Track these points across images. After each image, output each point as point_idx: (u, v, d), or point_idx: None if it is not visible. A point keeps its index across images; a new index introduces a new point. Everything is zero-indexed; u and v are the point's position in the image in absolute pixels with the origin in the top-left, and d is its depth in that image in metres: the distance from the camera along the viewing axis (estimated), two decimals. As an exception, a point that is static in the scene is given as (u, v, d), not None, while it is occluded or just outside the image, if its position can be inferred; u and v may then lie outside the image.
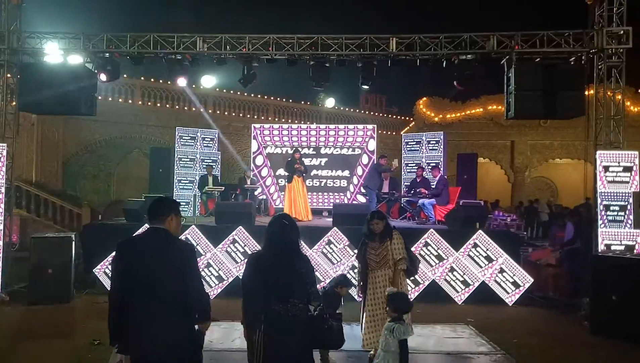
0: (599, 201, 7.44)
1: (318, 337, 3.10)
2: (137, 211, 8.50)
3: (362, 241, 5.16)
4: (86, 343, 5.50)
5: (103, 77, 8.52)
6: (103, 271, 8.08)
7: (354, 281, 6.26)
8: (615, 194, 7.39)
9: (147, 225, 3.06)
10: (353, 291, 7.76)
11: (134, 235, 3.22)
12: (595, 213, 7.47)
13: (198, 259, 7.37)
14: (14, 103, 8.54)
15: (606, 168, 7.44)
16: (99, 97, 12.73)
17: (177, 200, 11.82)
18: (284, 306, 2.94)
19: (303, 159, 11.03)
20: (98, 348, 5.32)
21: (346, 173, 12.98)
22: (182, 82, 9.32)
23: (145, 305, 2.78)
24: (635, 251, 7.18)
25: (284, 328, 2.93)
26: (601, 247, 7.29)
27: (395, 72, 9.46)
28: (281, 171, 12.15)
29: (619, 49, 7.65)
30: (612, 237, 7.32)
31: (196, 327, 2.94)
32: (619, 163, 7.43)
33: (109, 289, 3.00)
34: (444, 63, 8.38)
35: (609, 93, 7.82)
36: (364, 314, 5.05)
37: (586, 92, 7.93)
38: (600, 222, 7.39)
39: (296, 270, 3.03)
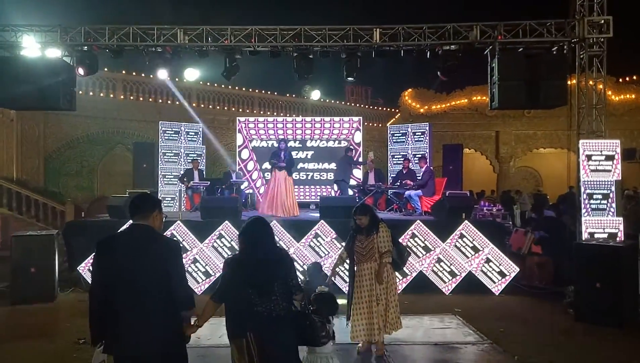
0: (582, 189, 7.53)
1: (301, 333, 3.11)
2: (121, 207, 8.36)
3: (350, 234, 5.16)
4: (71, 343, 5.42)
5: (81, 71, 8.34)
6: (87, 269, 7.94)
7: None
8: (598, 182, 7.49)
9: (130, 222, 3.00)
10: (342, 284, 7.79)
11: (117, 232, 3.15)
12: (578, 202, 7.56)
13: (184, 255, 7.23)
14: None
15: (589, 157, 7.53)
16: (80, 92, 12.51)
17: (163, 195, 11.63)
18: (267, 307, 2.92)
19: (291, 151, 10.92)
20: (83, 347, 5.23)
21: (332, 165, 12.94)
22: (163, 74, 9.16)
23: (130, 303, 2.73)
24: (617, 238, 7.30)
25: (270, 329, 2.91)
26: (585, 235, 7.39)
27: (379, 64, 9.43)
28: (267, 165, 12.06)
29: (600, 38, 7.73)
30: (595, 225, 7.42)
31: (188, 319, 2.95)
32: (601, 151, 7.52)
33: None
34: (428, 54, 8.38)
35: (590, 82, 7.90)
36: (351, 307, 5.04)
37: (568, 82, 8.00)
38: (583, 210, 7.49)
39: (274, 268, 3.01)
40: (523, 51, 8.08)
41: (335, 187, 11.83)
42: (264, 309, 2.91)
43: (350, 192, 11.30)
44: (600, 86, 7.93)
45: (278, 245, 3.27)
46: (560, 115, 14.47)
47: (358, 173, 12.68)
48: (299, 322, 3.12)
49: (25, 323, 6.43)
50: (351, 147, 12.49)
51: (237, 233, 8.47)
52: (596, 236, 7.34)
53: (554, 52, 8.05)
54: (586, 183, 7.52)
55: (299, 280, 3.24)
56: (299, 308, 3.18)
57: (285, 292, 3.01)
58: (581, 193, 7.53)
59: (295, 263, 7.92)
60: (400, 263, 5.12)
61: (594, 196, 7.48)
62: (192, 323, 3.02)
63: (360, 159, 12.71)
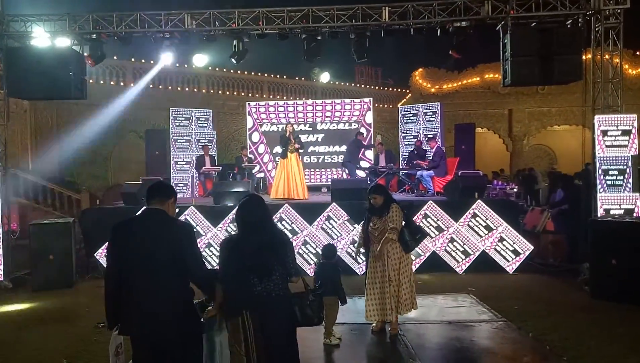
0: (597, 165, 7.40)
1: (301, 314, 3.09)
2: (135, 194, 8.47)
3: (365, 215, 5.16)
4: (91, 327, 5.54)
5: (90, 59, 8.35)
6: (104, 255, 8.06)
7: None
8: (614, 158, 7.35)
9: (144, 207, 3.03)
10: (355, 265, 7.82)
11: (132, 216, 3.19)
12: (594, 178, 7.45)
13: (198, 240, 7.29)
14: (2, 90, 8.39)
15: (604, 132, 7.38)
16: (91, 81, 12.58)
17: (175, 182, 11.73)
18: (266, 287, 2.90)
19: (300, 135, 10.90)
20: (102, 331, 5.35)
21: (343, 148, 12.90)
22: (168, 59, 9.10)
23: (144, 285, 2.77)
24: (634, 214, 7.19)
25: (269, 309, 2.90)
26: (600, 211, 7.30)
27: (389, 43, 9.29)
28: (278, 149, 12.07)
29: (617, 10, 7.50)
30: (611, 201, 7.31)
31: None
32: (617, 126, 7.37)
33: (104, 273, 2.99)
34: (439, 31, 8.22)
35: (606, 56, 7.70)
36: (366, 287, 5.07)
37: (583, 56, 7.81)
38: (599, 187, 7.37)
39: (273, 248, 2.97)
40: (536, 25, 7.89)
41: (345, 169, 11.81)
42: (262, 289, 2.89)
43: (363, 174, 11.27)
44: (617, 60, 7.73)
45: (276, 225, 3.23)
46: (575, 91, 14.18)
47: (370, 154, 12.63)
48: (299, 302, 3.11)
49: (46, 308, 6.58)
50: (361, 131, 12.42)
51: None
52: (612, 212, 7.24)
53: (568, 26, 7.84)
54: (602, 158, 7.39)
55: (314, 261, 3.25)
56: (298, 290, 3.17)
57: (284, 273, 2.99)
58: (596, 169, 7.41)
59: (308, 246, 8.00)
60: (412, 243, 4.99)
61: (610, 172, 7.35)
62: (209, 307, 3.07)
63: (371, 142, 12.65)
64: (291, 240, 3.32)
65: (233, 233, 3.22)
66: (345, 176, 11.77)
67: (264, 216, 3.10)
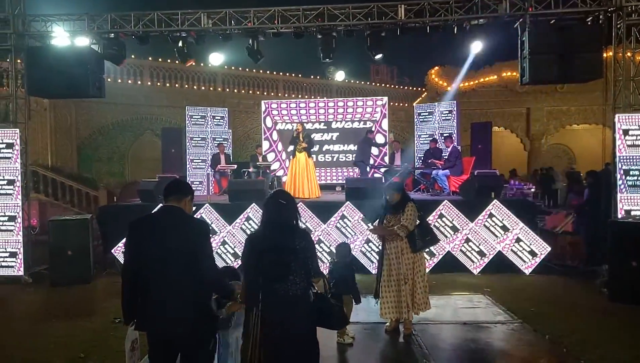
0: (618, 166, 7.25)
1: (320, 315, 3.04)
2: (151, 191, 8.56)
3: (381, 213, 5.15)
4: (108, 322, 5.62)
5: (110, 59, 8.47)
6: (121, 251, 8.20)
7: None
8: (635, 158, 7.19)
9: (161, 204, 3.06)
10: (369, 264, 7.80)
11: (149, 213, 3.22)
12: (614, 178, 7.30)
13: (214, 237, 7.35)
14: (23, 89, 8.56)
15: (626, 132, 7.23)
16: (109, 80, 12.74)
17: (191, 180, 11.83)
18: (284, 285, 2.88)
19: (312, 134, 10.91)
20: (119, 326, 5.42)
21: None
22: (188, 59, 9.17)
23: (160, 281, 2.80)
24: (656, 215, 7.03)
25: (286, 308, 2.88)
26: (620, 213, 7.15)
27: (405, 42, 9.18)
28: (290, 148, 12.09)
29: (639, 6, 7.32)
30: (632, 202, 7.16)
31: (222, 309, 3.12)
32: (639, 125, 7.20)
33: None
34: (455, 29, 8.13)
35: (628, 54, 7.53)
36: (380, 285, 5.05)
37: (604, 54, 7.65)
38: (619, 187, 7.22)
39: (294, 248, 2.94)
40: (555, 22, 7.75)
41: (356, 169, 11.76)
42: (280, 287, 2.88)
43: (378, 173, 11.22)
44: (639, 57, 7.56)
45: (301, 224, 3.18)
46: (595, 89, 13.93)
47: (376, 151, 12.56)
48: (319, 303, 3.06)
49: (65, 303, 6.70)
50: (372, 129, 12.38)
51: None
52: (632, 213, 7.09)
53: (589, 23, 7.69)
54: (622, 158, 7.23)
55: (329, 260, 3.23)
56: (318, 290, 3.13)
57: (304, 273, 2.96)
58: (617, 170, 7.26)
59: (322, 244, 7.98)
60: (420, 243, 4.92)
61: (631, 173, 7.19)
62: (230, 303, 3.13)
63: (385, 140, 12.58)
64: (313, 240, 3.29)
65: (258, 228, 3.19)
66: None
67: (288, 214, 3.07)
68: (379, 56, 8.59)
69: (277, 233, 2.98)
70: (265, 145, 13.14)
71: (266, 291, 2.89)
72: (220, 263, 7.69)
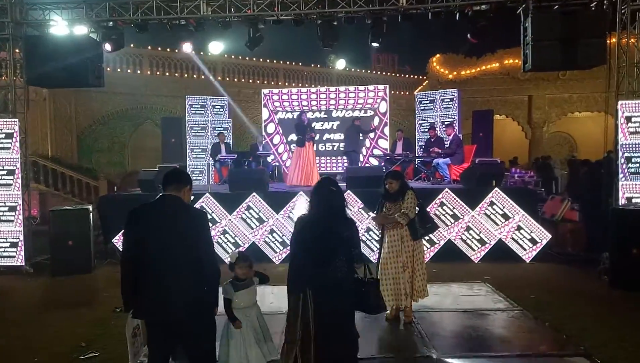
0: (620, 153, 7.20)
1: (360, 300, 3.22)
2: (152, 181, 8.54)
3: (379, 201, 5.13)
4: (109, 311, 5.63)
5: (108, 47, 8.40)
6: (121, 241, 8.19)
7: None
8: (637, 145, 7.14)
9: (161, 193, 3.05)
10: (370, 253, 7.80)
11: (148, 202, 3.21)
12: (616, 166, 7.26)
13: (214, 226, 7.31)
14: (22, 78, 8.50)
15: (628, 119, 7.17)
16: (108, 69, 12.68)
17: (191, 169, 11.82)
18: (330, 269, 3.00)
19: (314, 122, 10.86)
20: (120, 315, 5.44)
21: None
22: (187, 48, 9.11)
23: (159, 269, 2.80)
24: (658, 203, 7.00)
25: (330, 291, 3.00)
26: (622, 200, 7.12)
27: (406, 29, 9.09)
28: (293, 137, 12.03)
29: (645, -9, 7.22)
30: (633, 190, 7.13)
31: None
32: (642, 112, 7.14)
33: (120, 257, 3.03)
34: (457, 15, 8.04)
35: (632, 40, 7.44)
36: (379, 272, 5.04)
37: (607, 40, 7.56)
38: (621, 175, 7.19)
39: (340, 235, 3.07)
40: (559, 8, 7.65)
41: (346, 159, 11.66)
42: (325, 271, 3.00)
43: (376, 162, 11.17)
44: (643, 43, 7.47)
45: (347, 211, 3.31)
46: (598, 76, 13.79)
47: (384, 143, 12.52)
48: (358, 287, 3.22)
49: (66, 293, 6.72)
50: (359, 116, 12.32)
51: (264, 204, 8.50)
52: (634, 201, 7.06)
53: (593, 8, 7.59)
54: (625, 145, 7.18)
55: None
56: (360, 275, 3.30)
57: (348, 258, 3.08)
58: (619, 157, 7.22)
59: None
60: (420, 230, 4.94)
61: (633, 160, 7.14)
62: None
63: (387, 130, 12.53)
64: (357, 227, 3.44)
65: (307, 211, 3.32)
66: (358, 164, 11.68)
67: (337, 201, 3.19)
68: (375, 44, 8.51)
69: (328, 219, 3.10)
70: (270, 128, 13.08)
71: (312, 275, 3.00)
72: (220, 252, 7.70)
